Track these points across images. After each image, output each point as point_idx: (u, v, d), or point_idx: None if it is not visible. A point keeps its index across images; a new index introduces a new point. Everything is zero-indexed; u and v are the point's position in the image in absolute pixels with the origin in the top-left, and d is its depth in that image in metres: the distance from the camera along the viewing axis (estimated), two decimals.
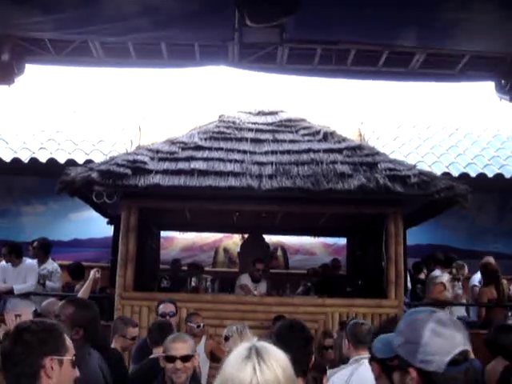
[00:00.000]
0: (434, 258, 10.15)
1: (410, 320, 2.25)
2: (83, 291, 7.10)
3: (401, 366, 2.20)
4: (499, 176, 11.48)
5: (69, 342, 2.72)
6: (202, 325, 7.41)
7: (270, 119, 9.82)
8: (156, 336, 5.60)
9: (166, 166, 8.23)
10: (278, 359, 2.09)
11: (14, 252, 9.36)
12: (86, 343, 4.01)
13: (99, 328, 4.45)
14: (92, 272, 7.43)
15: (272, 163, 8.35)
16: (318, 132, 9.33)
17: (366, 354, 4.93)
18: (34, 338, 2.61)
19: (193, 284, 9.99)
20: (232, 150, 8.67)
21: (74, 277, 9.92)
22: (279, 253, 12.69)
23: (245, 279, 9.60)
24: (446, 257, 10.05)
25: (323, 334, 7.25)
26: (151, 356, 5.40)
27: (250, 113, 10.12)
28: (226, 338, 5.92)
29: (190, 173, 8.08)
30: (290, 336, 3.66)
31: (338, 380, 4.55)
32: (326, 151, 8.70)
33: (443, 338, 2.11)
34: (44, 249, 9.87)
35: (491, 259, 9.74)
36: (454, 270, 9.72)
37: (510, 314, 9.35)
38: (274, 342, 2.19)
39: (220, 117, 9.86)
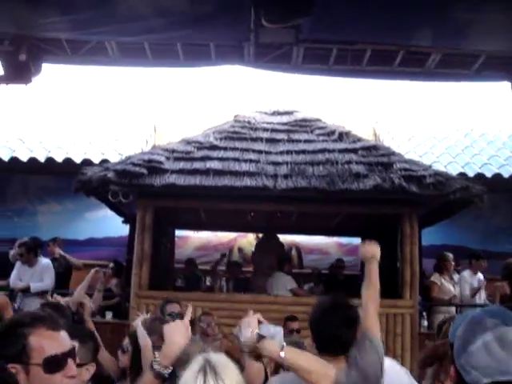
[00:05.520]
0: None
1: (477, 318, 2.00)
2: (78, 291, 6.48)
3: (452, 356, 1.99)
4: None
5: (39, 342, 2.21)
6: (213, 324, 7.35)
7: (285, 119, 9.84)
8: None
9: (181, 165, 8.28)
10: (230, 376, 2.20)
11: (32, 251, 9.41)
12: None
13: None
14: (92, 271, 7.12)
15: (287, 163, 8.38)
16: (333, 132, 9.34)
17: None
18: None
19: (207, 283, 10.01)
20: (247, 150, 8.70)
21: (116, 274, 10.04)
22: (294, 252, 12.67)
23: None
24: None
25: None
26: None
27: (265, 113, 10.15)
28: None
29: (206, 172, 8.13)
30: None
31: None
32: (341, 151, 8.72)
33: (492, 358, 1.81)
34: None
35: None
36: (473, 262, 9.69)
37: None
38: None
39: (235, 117, 9.90)
